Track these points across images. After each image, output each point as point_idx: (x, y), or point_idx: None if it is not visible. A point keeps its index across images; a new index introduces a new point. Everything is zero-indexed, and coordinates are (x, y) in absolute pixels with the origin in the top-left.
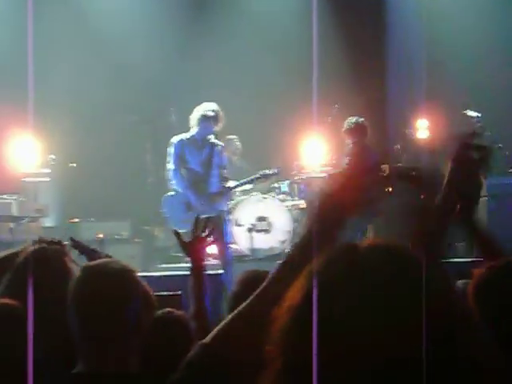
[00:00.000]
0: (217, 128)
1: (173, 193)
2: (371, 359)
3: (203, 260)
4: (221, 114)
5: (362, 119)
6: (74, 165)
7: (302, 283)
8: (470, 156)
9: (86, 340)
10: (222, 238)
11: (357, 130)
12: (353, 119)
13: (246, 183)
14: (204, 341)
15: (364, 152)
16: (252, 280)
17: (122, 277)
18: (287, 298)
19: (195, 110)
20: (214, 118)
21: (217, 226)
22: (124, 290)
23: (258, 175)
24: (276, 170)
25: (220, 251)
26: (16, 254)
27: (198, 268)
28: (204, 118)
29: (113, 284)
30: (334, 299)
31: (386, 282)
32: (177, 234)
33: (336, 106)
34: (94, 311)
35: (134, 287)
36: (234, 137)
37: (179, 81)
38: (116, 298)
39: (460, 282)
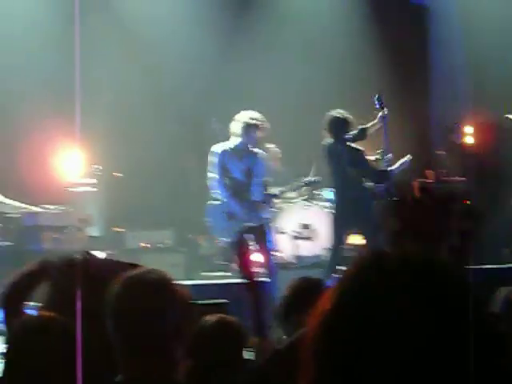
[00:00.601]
0: (260, 136)
1: (215, 202)
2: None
3: (254, 275)
4: (264, 122)
5: None
6: (120, 175)
7: (334, 291)
8: None
9: (127, 351)
10: (266, 247)
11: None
12: None
13: (288, 191)
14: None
15: None
16: (304, 288)
17: (158, 287)
18: (319, 305)
19: (236, 118)
20: (257, 127)
21: (260, 235)
22: (161, 301)
23: (300, 183)
24: (317, 178)
25: (265, 259)
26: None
27: (252, 283)
28: (247, 127)
29: (150, 295)
30: (361, 314)
31: (423, 300)
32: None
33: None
34: (133, 323)
35: (171, 297)
36: (273, 145)
37: (221, 89)
38: (154, 308)
39: (504, 289)
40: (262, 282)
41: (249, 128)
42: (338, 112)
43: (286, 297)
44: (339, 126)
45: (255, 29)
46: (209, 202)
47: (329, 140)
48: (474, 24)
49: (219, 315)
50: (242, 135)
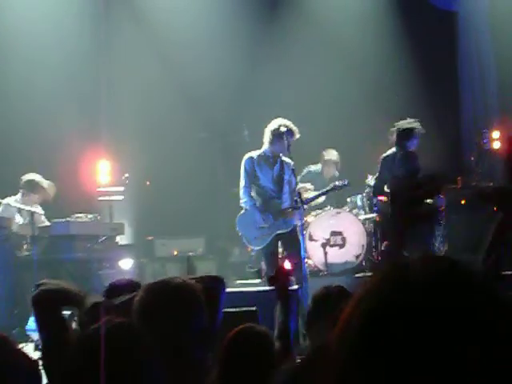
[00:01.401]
0: (290, 144)
1: (246, 210)
2: None
3: (288, 287)
4: (295, 129)
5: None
6: (148, 183)
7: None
8: None
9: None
10: (296, 254)
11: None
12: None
13: (317, 197)
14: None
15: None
16: (324, 296)
17: (178, 294)
18: (341, 318)
19: (268, 126)
20: (288, 134)
21: (291, 242)
22: (182, 305)
23: (328, 188)
24: (346, 182)
25: (295, 266)
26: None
27: (284, 294)
28: (278, 135)
29: (171, 301)
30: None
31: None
32: (270, 280)
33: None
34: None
35: (192, 301)
36: (333, 150)
37: (251, 96)
38: (177, 313)
39: None
40: (291, 289)
41: (278, 136)
42: (408, 123)
43: (310, 306)
44: (407, 137)
45: (285, 36)
46: (241, 212)
47: (393, 149)
48: (504, 28)
49: (248, 324)
50: (271, 143)
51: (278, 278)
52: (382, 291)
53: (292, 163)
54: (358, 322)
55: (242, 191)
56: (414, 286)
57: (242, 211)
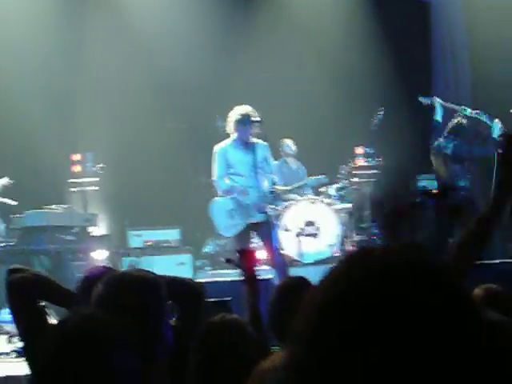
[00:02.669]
0: (256, 129)
1: (218, 198)
2: None
3: (254, 269)
4: (254, 114)
5: None
6: (101, 165)
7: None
8: None
9: None
10: (270, 243)
11: None
12: None
13: (293, 190)
14: None
15: None
16: (286, 288)
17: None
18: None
19: (229, 115)
20: (248, 120)
21: (265, 232)
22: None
23: (302, 183)
24: (322, 177)
25: (269, 256)
26: None
27: (250, 277)
28: (238, 122)
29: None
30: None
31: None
32: (228, 261)
33: (381, 110)
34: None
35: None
36: (289, 140)
37: (224, 85)
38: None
39: None
40: (262, 279)
41: (239, 123)
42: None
43: (272, 297)
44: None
45: (258, 27)
46: (213, 200)
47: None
48: (477, 18)
49: (222, 314)
50: (236, 130)
51: (242, 260)
52: (338, 283)
53: (265, 144)
54: (315, 310)
55: (217, 181)
56: (373, 276)
57: (216, 198)
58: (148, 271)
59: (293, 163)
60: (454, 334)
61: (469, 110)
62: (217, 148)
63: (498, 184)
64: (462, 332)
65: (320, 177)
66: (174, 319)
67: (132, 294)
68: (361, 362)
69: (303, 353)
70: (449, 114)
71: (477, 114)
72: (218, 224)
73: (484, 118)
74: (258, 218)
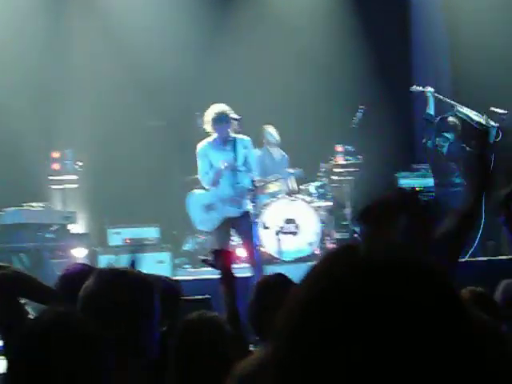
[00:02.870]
0: (235, 126)
1: (195, 192)
2: None
3: (230, 268)
4: (230, 111)
5: None
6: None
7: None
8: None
9: None
10: (249, 241)
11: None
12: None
13: (269, 182)
14: None
15: None
16: (265, 285)
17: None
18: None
19: (205, 115)
20: (224, 118)
21: (243, 229)
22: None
23: (280, 175)
24: (299, 171)
25: (248, 254)
26: None
27: (227, 276)
28: (214, 121)
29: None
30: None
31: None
32: (204, 261)
33: (362, 107)
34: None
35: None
36: (272, 127)
37: (205, 84)
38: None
39: (505, 281)
40: (241, 277)
41: (216, 122)
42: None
43: (251, 295)
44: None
45: (239, 25)
46: (190, 193)
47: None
48: (457, 17)
49: (202, 311)
50: (214, 130)
51: (218, 260)
52: (320, 280)
53: (247, 139)
54: (297, 308)
55: (202, 178)
56: (355, 273)
57: (193, 191)
58: (138, 270)
59: (276, 152)
60: (441, 333)
61: (464, 110)
62: (198, 147)
63: (473, 181)
64: (448, 330)
65: (296, 171)
66: None
67: (124, 291)
68: (343, 360)
69: (285, 350)
70: (441, 108)
71: (476, 115)
72: (194, 218)
73: (483, 120)
74: (234, 212)
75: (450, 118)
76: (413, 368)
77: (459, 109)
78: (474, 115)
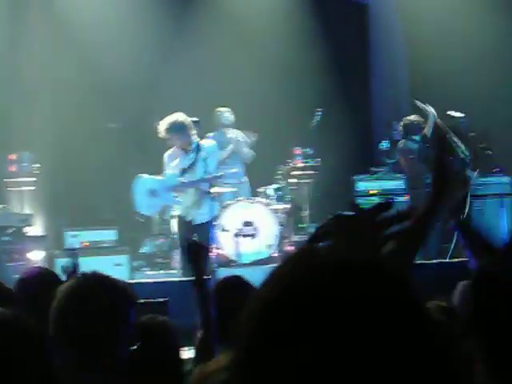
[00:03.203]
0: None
1: (141, 176)
2: None
3: (205, 267)
4: (183, 118)
5: None
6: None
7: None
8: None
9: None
10: (207, 243)
11: None
12: None
13: (218, 177)
14: None
15: None
16: (223, 287)
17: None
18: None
19: (160, 124)
20: (179, 127)
21: (202, 232)
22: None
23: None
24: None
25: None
26: None
27: (200, 276)
28: (168, 131)
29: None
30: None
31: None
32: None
33: (319, 110)
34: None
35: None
36: (225, 109)
37: (163, 86)
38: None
39: (462, 283)
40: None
41: (172, 131)
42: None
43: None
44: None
45: (197, 27)
46: (136, 177)
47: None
48: (415, 20)
49: (150, 315)
50: (172, 140)
51: (192, 255)
52: (278, 283)
53: (209, 145)
54: (252, 310)
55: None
56: (308, 276)
57: (139, 176)
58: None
59: (231, 133)
60: (391, 335)
61: (455, 139)
62: (164, 156)
63: (431, 182)
64: (403, 332)
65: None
66: None
67: (101, 295)
68: (292, 360)
69: (239, 352)
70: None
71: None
72: (136, 201)
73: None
74: (195, 218)
75: (413, 118)
76: (359, 370)
77: (452, 137)
78: (460, 148)
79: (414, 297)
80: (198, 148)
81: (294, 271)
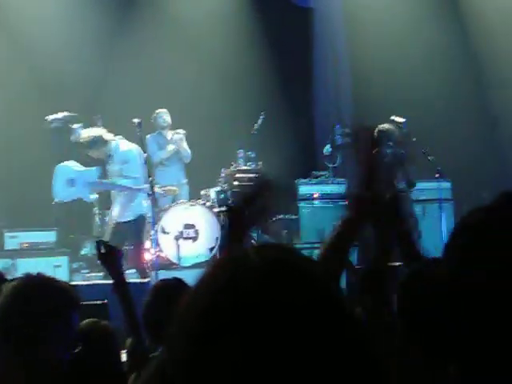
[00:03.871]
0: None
1: (62, 165)
2: None
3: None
4: (101, 135)
5: None
6: None
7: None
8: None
9: None
10: (140, 244)
11: None
12: None
13: (137, 190)
14: None
15: None
16: (161, 289)
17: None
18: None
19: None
20: (97, 142)
21: (133, 232)
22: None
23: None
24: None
25: (138, 258)
26: None
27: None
28: (87, 147)
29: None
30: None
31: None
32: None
33: (262, 114)
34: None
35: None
36: (163, 110)
37: (104, 87)
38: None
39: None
40: (139, 282)
41: (95, 144)
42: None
43: (146, 299)
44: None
45: (143, 30)
46: (57, 165)
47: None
48: (359, 25)
49: (92, 319)
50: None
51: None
52: (214, 284)
53: (127, 150)
54: (193, 314)
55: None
56: (245, 278)
57: (60, 164)
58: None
59: (170, 134)
60: (315, 333)
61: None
62: None
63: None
64: (324, 331)
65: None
66: None
67: (46, 296)
68: (226, 357)
69: (174, 352)
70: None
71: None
72: (57, 189)
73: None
74: (128, 217)
75: (387, 126)
76: (285, 366)
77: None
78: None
79: (334, 298)
80: (118, 152)
81: (225, 274)
